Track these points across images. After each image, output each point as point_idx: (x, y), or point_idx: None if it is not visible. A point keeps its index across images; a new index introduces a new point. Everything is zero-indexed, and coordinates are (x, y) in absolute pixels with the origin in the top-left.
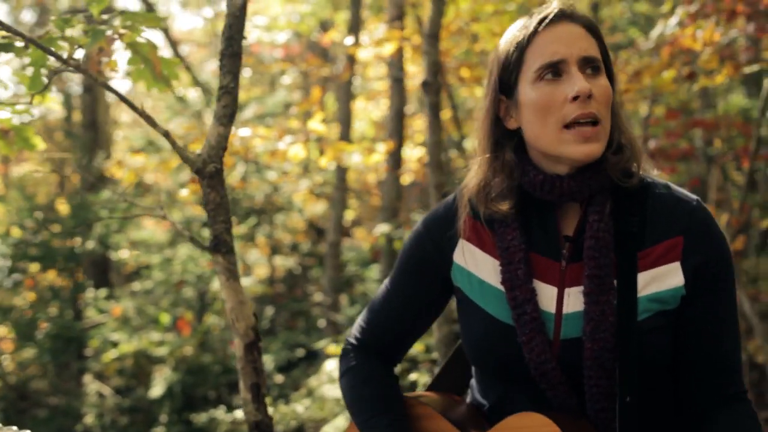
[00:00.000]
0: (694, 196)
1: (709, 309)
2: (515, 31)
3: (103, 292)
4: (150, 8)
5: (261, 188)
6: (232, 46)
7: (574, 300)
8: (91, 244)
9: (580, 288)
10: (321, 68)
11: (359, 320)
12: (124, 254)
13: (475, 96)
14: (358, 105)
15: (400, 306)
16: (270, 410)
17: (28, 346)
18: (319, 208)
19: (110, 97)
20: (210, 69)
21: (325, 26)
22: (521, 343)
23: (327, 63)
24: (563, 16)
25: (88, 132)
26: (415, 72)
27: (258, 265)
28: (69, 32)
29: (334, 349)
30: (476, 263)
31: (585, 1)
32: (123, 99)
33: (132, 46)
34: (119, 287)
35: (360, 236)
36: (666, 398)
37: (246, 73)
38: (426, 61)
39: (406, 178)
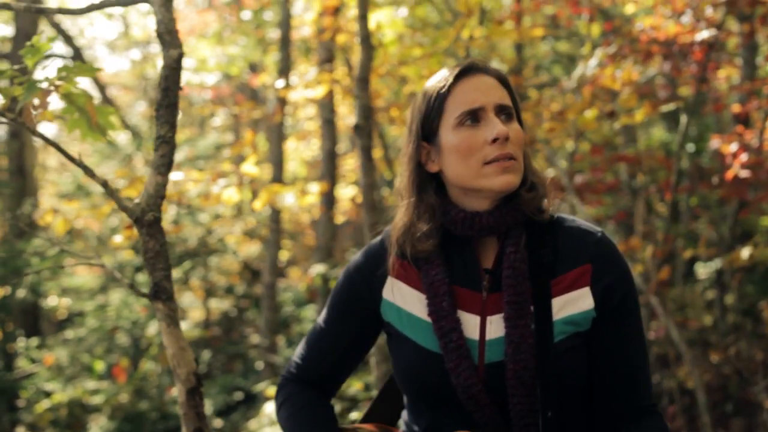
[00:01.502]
0: (598, 228)
1: (617, 328)
2: (434, 82)
3: (34, 340)
4: (78, 52)
5: (194, 232)
6: (168, 97)
7: (496, 327)
8: (22, 293)
9: (501, 315)
10: (252, 110)
11: (294, 355)
12: (55, 302)
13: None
14: (290, 145)
15: (332, 340)
16: None
17: None
18: (253, 249)
19: (38, 141)
20: (138, 111)
21: (254, 68)
22: (449, 369)
23: (257, 104)
24: (478, 69)
25: (16, 178)
26: (345, 113)
27: (193, 309)
28: (3, 83)
29: (273, 391)
30: (404, 298)
31: (508, 41)
32: (61, 150)
33: (67, 96)
34: (51, 335)
35: (295, 276)
36: (584, 413)
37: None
38: (357, 105)
39: (339, 217)
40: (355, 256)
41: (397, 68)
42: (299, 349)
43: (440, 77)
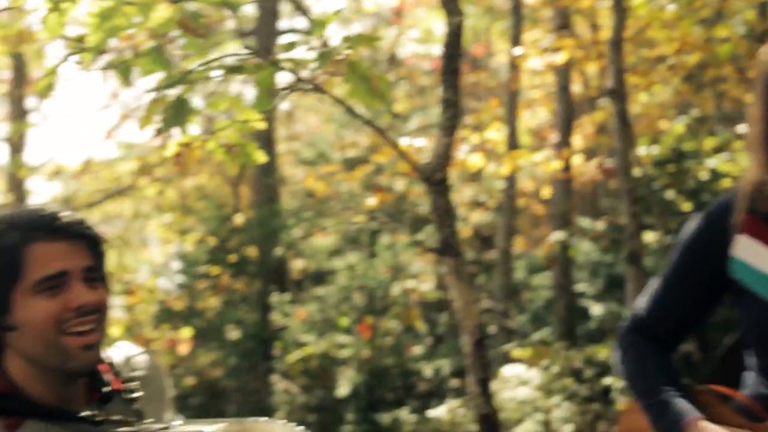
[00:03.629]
0: None
1: None
2: None
3: (287, 296)
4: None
5: (426, 199)
6: (452, 63)
7: None
8: (279, 251)
9: None
10: (485, 79)
11: (637, 305)
12: (305, 262)
13: (650, 102)
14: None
15: (675, 297)
16: (460, 411)
17: (220, 347)
18: (482, 216)
19: (280, 113)
20: None
21: (478, 37)
22: None
23: (478, 73)
24: None
25: (265, 147)
26: (579, 78)
27: (424, 273)
28: (294, 54)
29: (518, 353)
30: (754, 255)
31: None
32: (353, 113)
33: (351, 64)
34: (303, 292)
35: (519, 245)
36: None
37: (401, 86)
38: (611, 69)
39: (574, 185)
40: (701, 213)
41: (644, 31)
42: (641, 302)
43: None
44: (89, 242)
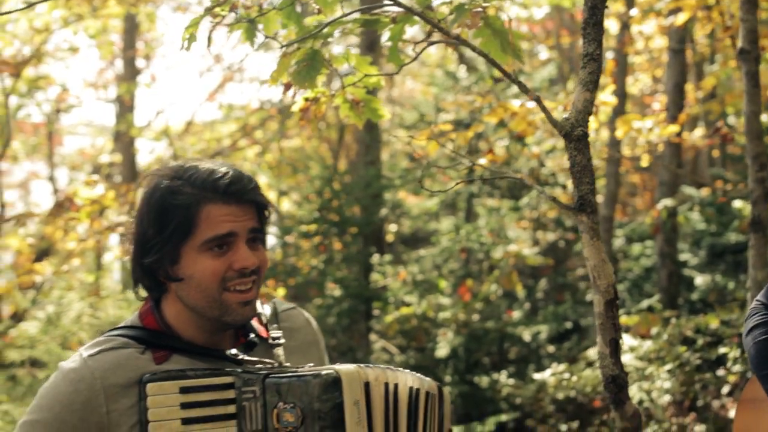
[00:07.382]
0: None
1: None
2: None
3: (388, 257)
4: None
5: (526, 164)
6: (595, 15)
7: None
8: (384, 212)
9: None
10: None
11: None
12: (403, 224)
13: None
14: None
15: None
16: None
17: (320, 305)
18: None
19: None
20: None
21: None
22: None
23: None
24: None
25: None
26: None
27: (520, 240)
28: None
29: (625, 320)
30: None
31: None
32: (495, 65)
33: (485, 19)
34: (405, 253)
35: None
36: None
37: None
38: (743, 28)
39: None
40: None
41: None
42: None
43: None
44: (257, 206)
